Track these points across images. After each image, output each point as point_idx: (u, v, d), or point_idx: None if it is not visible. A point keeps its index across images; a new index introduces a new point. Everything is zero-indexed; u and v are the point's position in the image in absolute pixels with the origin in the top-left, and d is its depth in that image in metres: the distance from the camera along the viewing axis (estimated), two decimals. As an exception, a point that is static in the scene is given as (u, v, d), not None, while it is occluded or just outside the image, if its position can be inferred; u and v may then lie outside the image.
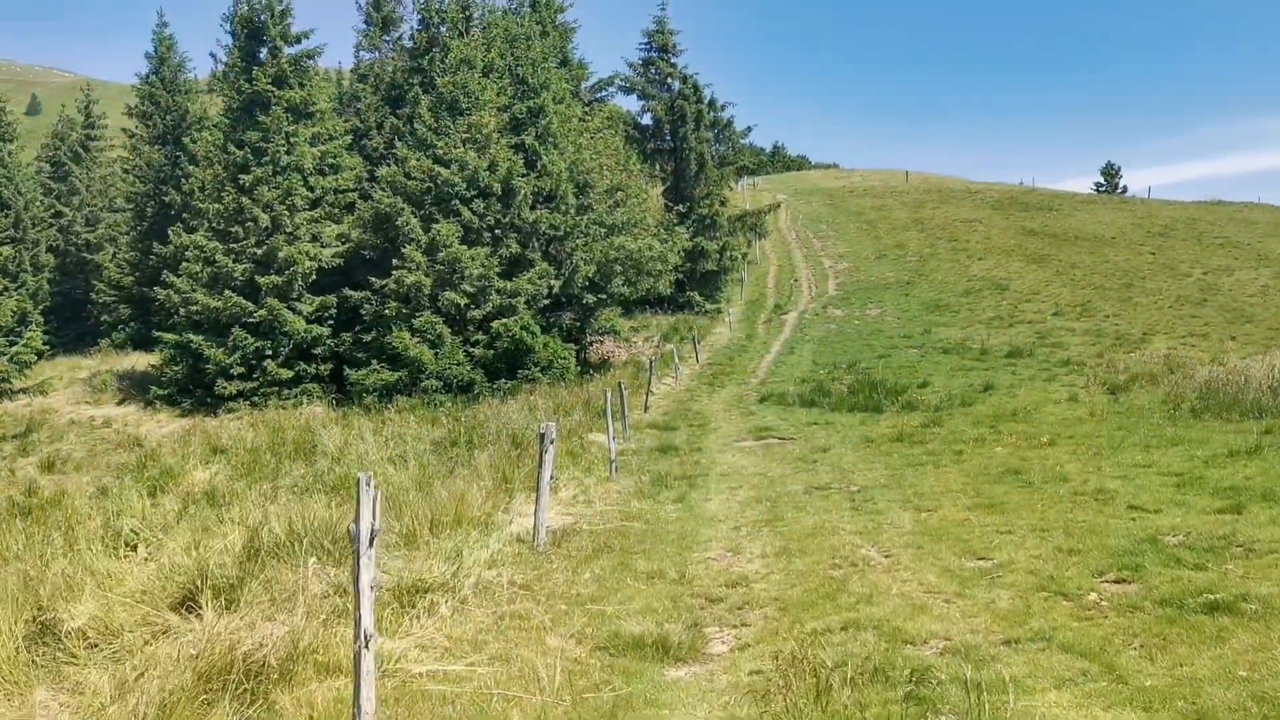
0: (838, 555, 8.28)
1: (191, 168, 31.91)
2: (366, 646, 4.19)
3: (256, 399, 26.61)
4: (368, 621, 4.21)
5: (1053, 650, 5.78)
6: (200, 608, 6.55)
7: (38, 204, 43.11)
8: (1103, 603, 6.66)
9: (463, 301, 26.74)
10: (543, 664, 5.69)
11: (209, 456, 19.50)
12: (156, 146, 39.54)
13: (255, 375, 26.88)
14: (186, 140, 35.80)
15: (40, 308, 40.29)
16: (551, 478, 9.83)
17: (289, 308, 27.39)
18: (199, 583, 6.67)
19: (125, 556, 10.18)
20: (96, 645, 6.00)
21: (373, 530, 4.27)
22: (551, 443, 8.76)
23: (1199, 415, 16.31)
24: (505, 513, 10.06)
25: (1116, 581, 7.15)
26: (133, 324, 37.55)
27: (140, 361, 33.52)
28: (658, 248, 31.24)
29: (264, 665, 5.08)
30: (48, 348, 39.20)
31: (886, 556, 8.23)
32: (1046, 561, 7.70)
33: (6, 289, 36.20)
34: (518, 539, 8.82)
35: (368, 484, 4.24)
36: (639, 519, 10.01)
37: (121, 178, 42.77)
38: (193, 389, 27.28)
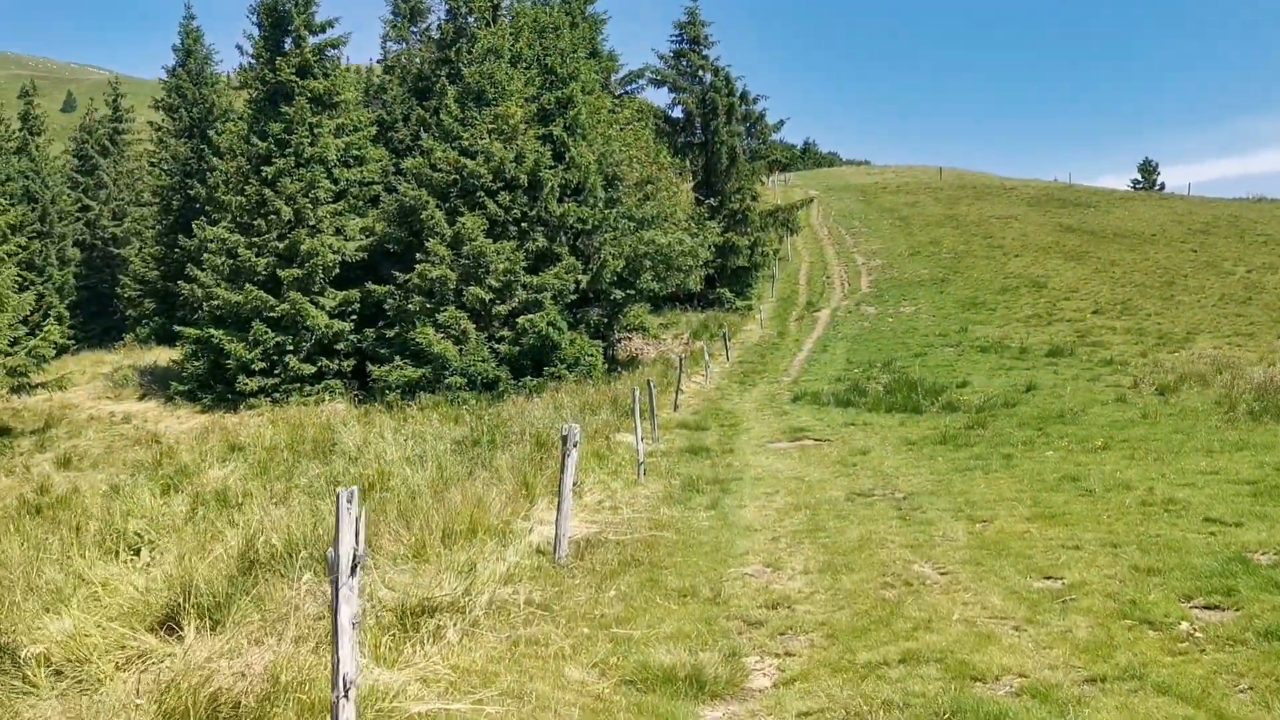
0: (888, 572, 7.50)
1: (215, 160, 31.46)
2: (346, 695, 3.49)
3: (278, 395, 26.08)
4: (348, 666, 3.51)
5: (1147, 692, 5.00)
6: (182, 628, 5.92)
7: (65, 198, 43.03)
8: (1197, 633, 5.86)
9: (488, 296, 26.07)
10: (560, 702, 4.99)
11: (226, 454, 18.96)
12: (182, 140, 39.19)
13: (277, 371, 26.36)
14: (212, 133, 35.39)
15: (66, 302, 40.21)
16: (575, 483, 9.15)
17: (311, 302, 26.84)
18: (182, 601, 6.03)
19: (126, 561, 9.61)
20: (61, 672, 5.37)
21: (355, 556, 3.56)
22: (574, 446, 8.04)
23: (1258, 418, 15.38)
24: (525, 520, 9.38)
25: (1208, 608, 6.35)
26: (157, 319, 37.22)
27: (164, 357, 33.17)
28: (688, 242, 30.43)
29: (238, 707, 4.39)
30: (73, 342, 39.06)
31: (943, 574, 7.45)
32: (1124, 583, 6.90)
33: (31, 283, 36.06)
34: (537, 550, 8.13)
35: (349, 502, 3.53)
36: (669, 528, 9.28)
37: (148, 171, 42.49)
38: (214, 385, 26.81)
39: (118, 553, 10.10)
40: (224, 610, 6.04)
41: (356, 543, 3.56)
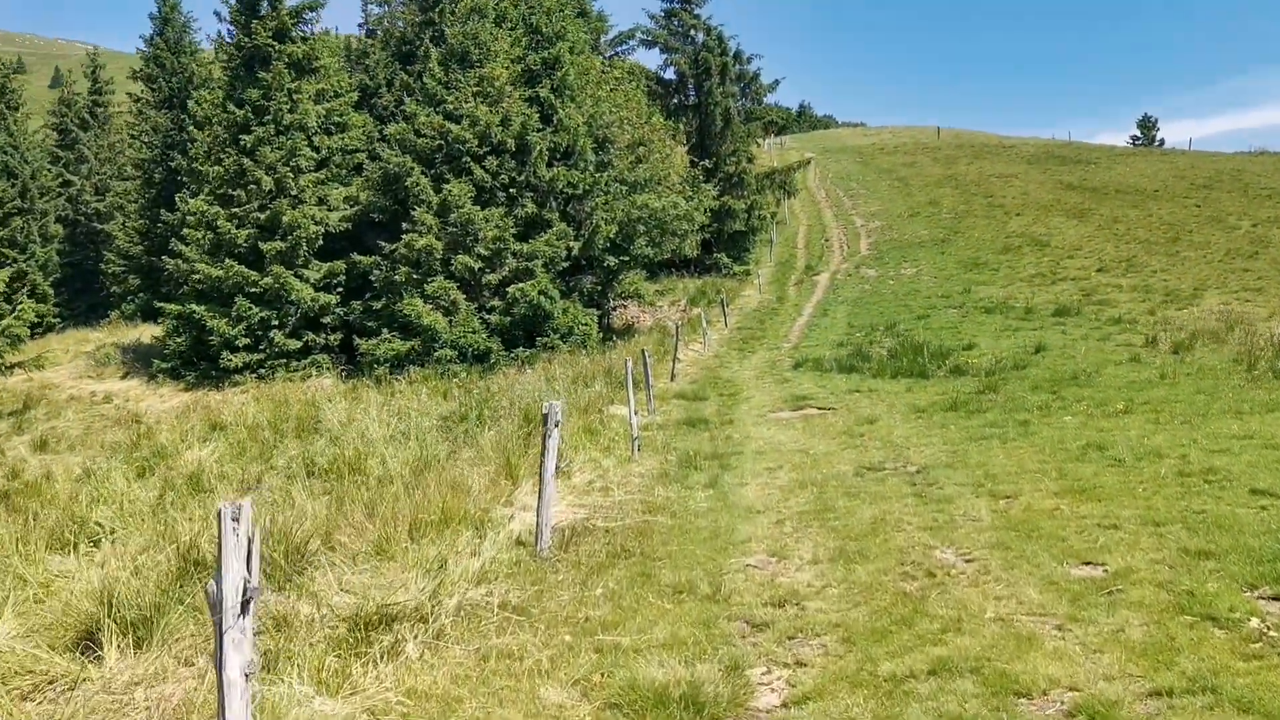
0: (907, 560, 6.71)
1: (194, 131, 30.36)
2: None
3: (263, 371, 25.23)
4: (239, 735, 2.69)
5: (1225, 710, 4.22)
6: (101, 647, 5.11)
7: (45, 173, 41.84)
8: (1270, 631, 5.07)
9: (477, 265, 25.13)
10: (533, 735, 4.21)
11: (207, 434, 18.14)
12: (162, 111, 38.01)
13: (261, 346, 25.48)
14: (191, 103, 34.26)
15: (50, 279, 39.19)
16: (565, 463, 8.36)
17: (295, 275, 25.90)
18: (102, 615, 5.21)
19: (86, 554, 8.85)
20: (-54, 709, 4.57)
21: (246, 590, 2.74)
22: (556, 426, 7.21)
23: (1281, 376, 14.65)
24: (508, 504, 8.57)
25: (1278, 599, 5.57)
26: (142, 295, 36.23)
27: (148, 334, 32.27)
28: (683, 206, 29.43)
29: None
30: (58, 320, 38.14)
31: (968, 561, 6.64)
32: (1175, 569, 6.11)
33: (13, 260, 35.08)
34: (518, 541, 7.32)
35: (234, 520, 2.69)
36: (664, 511, 8.47)
37: (129, 144, 41.31)
38: (197, 362, 25.93)
39: (76, 545, 9.33)
40: (152, 624, 5.24)
41: (248, 572, 2.74)
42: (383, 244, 26.16)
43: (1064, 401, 13.95)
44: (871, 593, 6.08)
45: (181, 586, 5.88)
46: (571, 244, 26.69)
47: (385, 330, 25.18)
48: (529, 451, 10.60)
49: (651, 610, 5.95)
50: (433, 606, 5.61)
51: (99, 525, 10.05)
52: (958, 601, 5.80)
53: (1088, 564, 6.38)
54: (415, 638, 5.18)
